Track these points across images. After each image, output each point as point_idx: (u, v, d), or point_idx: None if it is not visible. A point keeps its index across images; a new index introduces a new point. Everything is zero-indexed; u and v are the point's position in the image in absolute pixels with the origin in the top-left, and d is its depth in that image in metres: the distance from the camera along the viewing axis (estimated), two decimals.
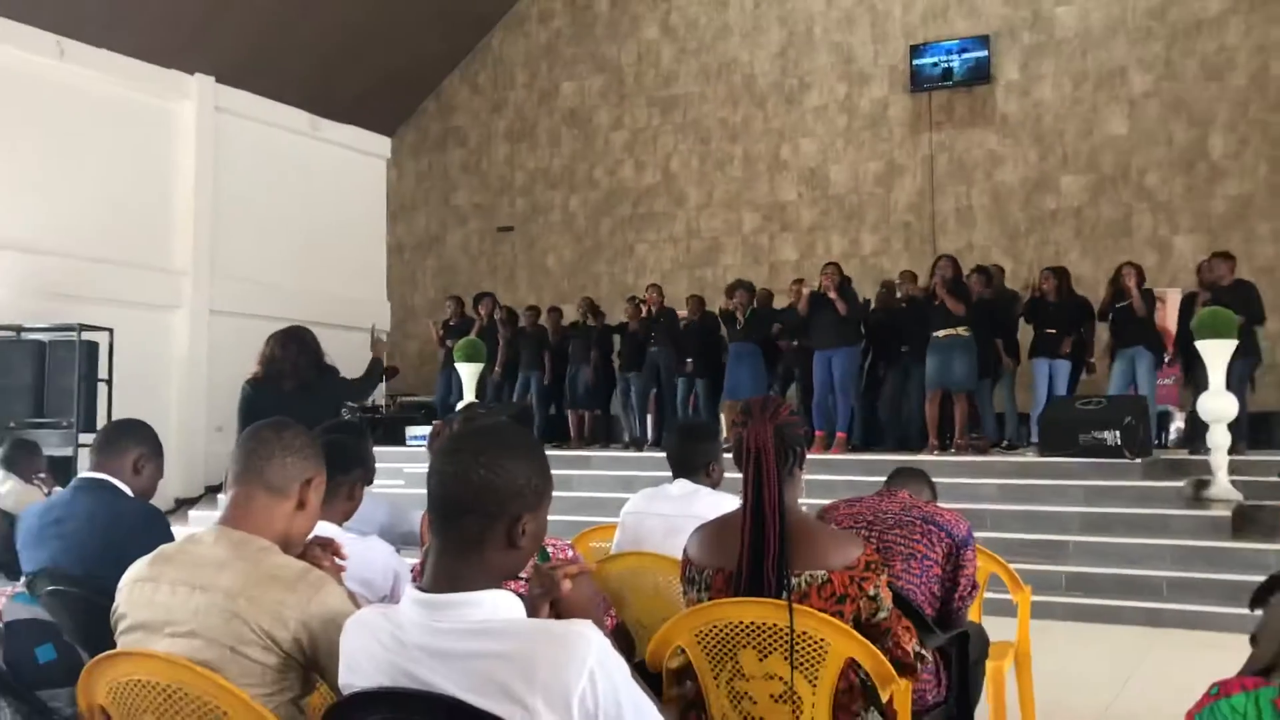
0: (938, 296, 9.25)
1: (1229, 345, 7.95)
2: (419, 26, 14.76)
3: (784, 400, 2.66)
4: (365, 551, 2.85)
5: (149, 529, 2.98)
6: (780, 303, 11.32)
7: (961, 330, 9.20)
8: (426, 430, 11.61)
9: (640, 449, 10.99)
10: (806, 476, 2.69)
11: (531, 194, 15.45)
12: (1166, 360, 9.88)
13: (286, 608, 2.00)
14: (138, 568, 2.15)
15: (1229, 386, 7.96)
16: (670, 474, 3.59)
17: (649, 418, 11.46)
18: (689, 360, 10.92)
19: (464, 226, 15.97)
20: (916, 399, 9.95)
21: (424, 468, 1.83)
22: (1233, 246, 10.72)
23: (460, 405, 10.74)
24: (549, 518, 1.78)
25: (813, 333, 10.01)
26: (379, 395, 14.51)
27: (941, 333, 9.25)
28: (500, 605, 1.63)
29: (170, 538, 2.42)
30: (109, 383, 10.91)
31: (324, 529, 2.69)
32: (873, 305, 10.74)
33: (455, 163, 16.07)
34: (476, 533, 1.65)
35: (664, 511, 3.48)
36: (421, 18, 14.63)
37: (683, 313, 11.43)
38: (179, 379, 13.01)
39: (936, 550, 3.03)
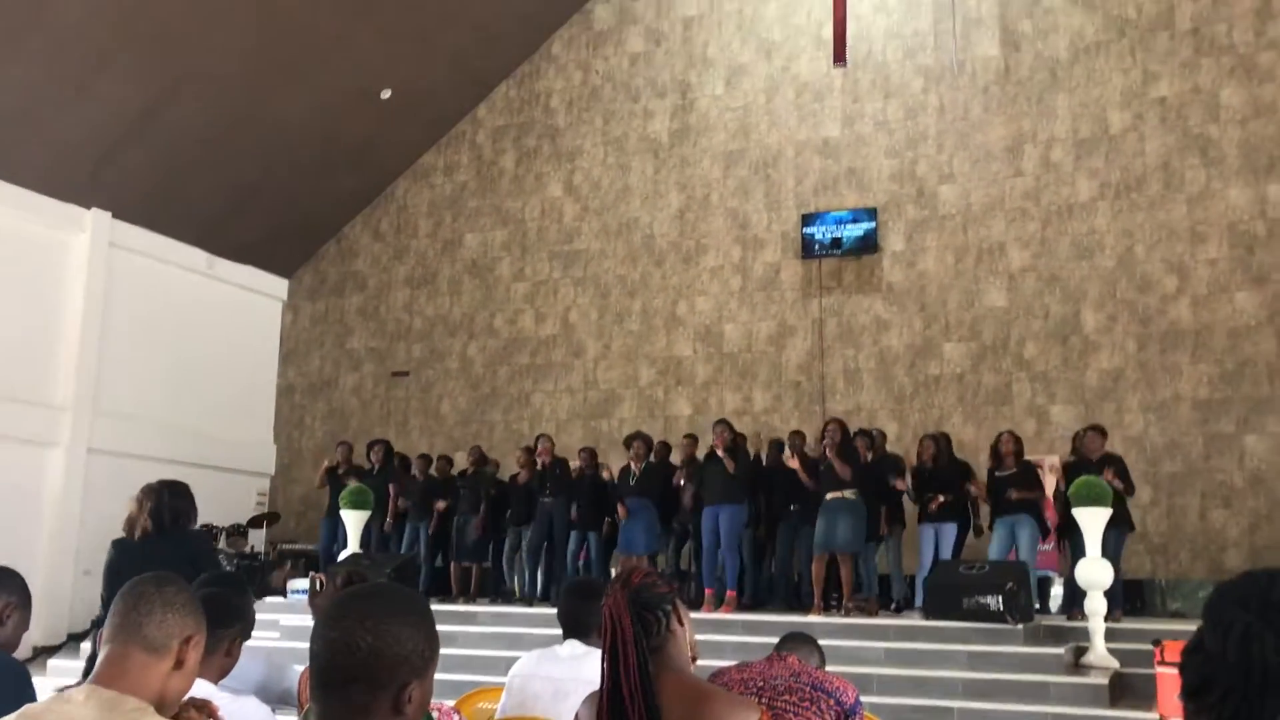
0: (827, 459, 9.43)
1: (1104, 513, 8.24)
2: (323, 171, 14.91)
3: (640, 566, 2.66)
4: (240, 712, 2.77)
5: (11, 686, 2.83)
6: (677, 458, 11.41)
7: (849, 494, 9.38)
8: (300, 584, 11.19)
9: (530, 604, 10.80)
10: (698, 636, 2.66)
11: (430, 339, 15.46)
12: (1051, 529, 10.02)
13: None
14: None
15: (1105, 554, 8.23)
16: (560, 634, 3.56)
17: (539, 571, 11.32)
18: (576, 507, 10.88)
19: (358, 370, 15.85)
20: (805, 559, 10.03)
21: (301, 619, 1.80)
22: (1105, 417, 11.21)
23: (343, 555, 10.47)
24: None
25: (702, 487, 10.13)
26: (258, 542, 14.06)
27: (830, 495, 9.43)
28: None
29: (34, 696, 2.31)
30: None
31: (198, 688, 2.60)
32: (764, 462, 10.90)
33: (352, 307, 16.04)
34: (361, 701, 1.63)
35: (552, 674, 3.44)
36: (326, 163, 14.79)
37: (575, 463, 11.40)
38: (50, 518, 12.46)
39: (825, 718, 3.04)
